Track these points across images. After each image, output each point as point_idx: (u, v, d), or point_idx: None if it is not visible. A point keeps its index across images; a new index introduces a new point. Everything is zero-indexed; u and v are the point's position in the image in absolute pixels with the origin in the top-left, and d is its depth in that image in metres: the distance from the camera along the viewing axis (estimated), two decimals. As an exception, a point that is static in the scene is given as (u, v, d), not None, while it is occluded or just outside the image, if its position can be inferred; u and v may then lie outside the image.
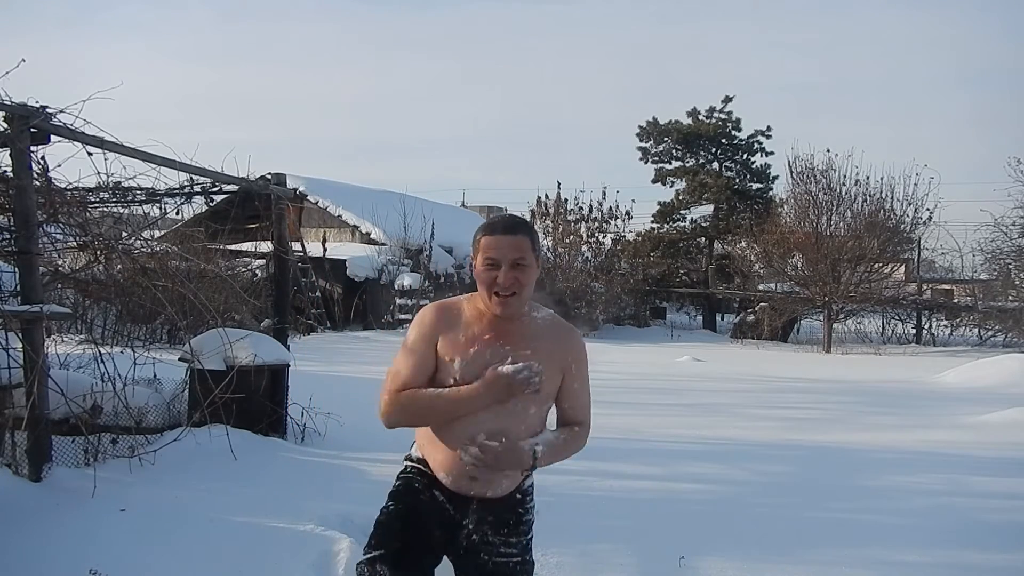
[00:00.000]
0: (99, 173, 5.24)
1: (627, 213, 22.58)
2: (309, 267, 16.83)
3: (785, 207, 21.34)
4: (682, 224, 25.55)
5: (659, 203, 25.52)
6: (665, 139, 25.43)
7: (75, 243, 5.77)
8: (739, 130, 24.94)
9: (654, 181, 25.86)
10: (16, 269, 4.61)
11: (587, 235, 21.95)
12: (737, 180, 25.13)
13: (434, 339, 2.03)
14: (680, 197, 25.16)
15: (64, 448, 4.52)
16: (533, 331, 2.06)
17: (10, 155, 4.40)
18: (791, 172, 20.12)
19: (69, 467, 4.45)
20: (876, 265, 19.05)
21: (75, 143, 4.71)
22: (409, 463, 2.16)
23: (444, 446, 2.03)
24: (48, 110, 4.43)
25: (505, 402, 1.97)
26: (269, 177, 6.93)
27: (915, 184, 18.93)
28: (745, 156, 25.23)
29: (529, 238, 2.03)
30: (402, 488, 2.12)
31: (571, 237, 21.41)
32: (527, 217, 22.15)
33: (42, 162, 4.83)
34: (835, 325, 18.64)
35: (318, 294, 17.06)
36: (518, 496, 2.11)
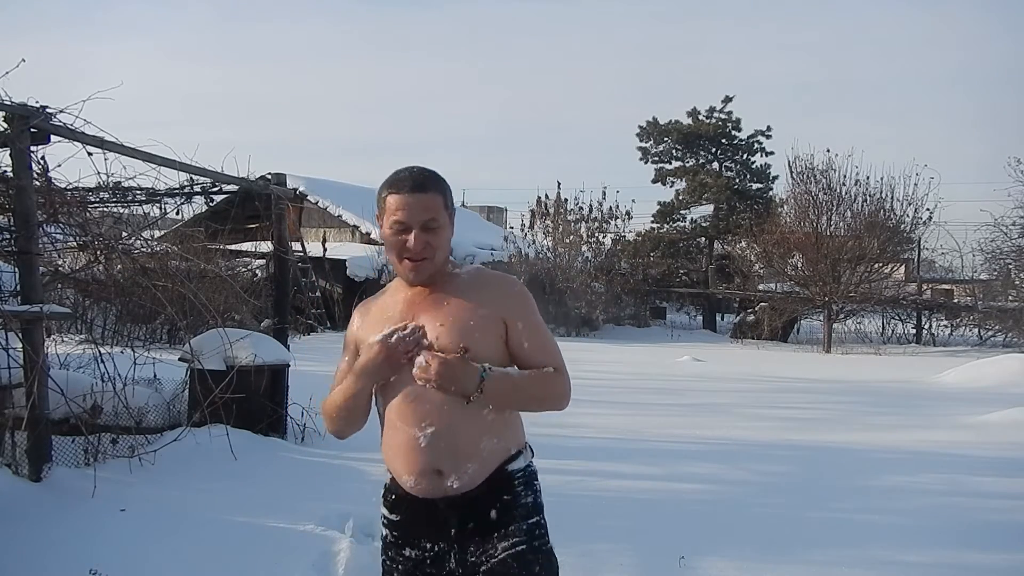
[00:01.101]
0: (99, 173, 5.25)
1: (627, 213, 22.58)
2: (309, 267, 16.82)
3: (785, 207, 21.34)
4: (682, 224, 25.54)
5: (659, 203, 25.52)
6: (665, 139, 25.42)
7: (75, 243, 5.77)
8: (739, 130, 24.93)
9: (654, 181, 25.85)
10: (16, 269, 4.61)
11: (587, 235, 21.94)
12: (737, 180, 25.11)
13: (354, 338, 1.91)
14: (680, 197, 25.15)
15: (64, 448, 4.52)
16: (453, 289, 1.85)
17: (10, 155, 4.40)
18: (791, 172, 20.14)
19: (69, 467, 4.45)
20: (876, 265, 19.04)
21: (75, 143, 4.71)
22: (382, 506, 1.93)
23: (394, 444, 1.82)
24: (48, 110, 4.44)
25: (393, 373, 1.77)
26: (269, 177, 6.94)
27: (915, 184, 18.95)
28: (745, 156, 25.22)
29: (441, 195, 1.82)
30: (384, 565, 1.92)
31: (571, 237, 21.41)
32: (527, 217, 22.21)
33: (42, 162, 4.84)
34: (835, 325, 18.63)
35: (318, 294, 17.05)
36: (499, 482, 1.83)
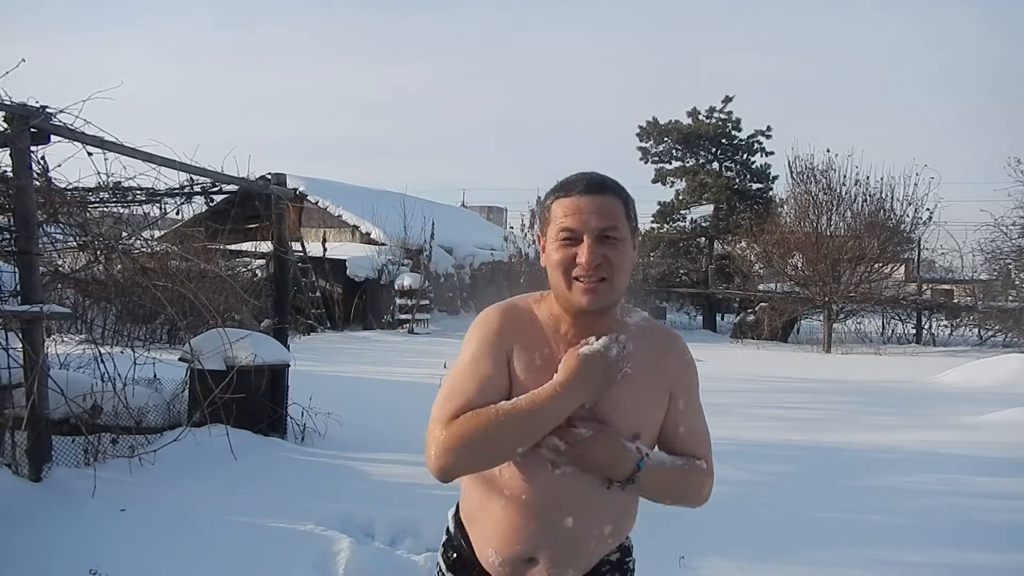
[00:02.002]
0: (99, 173, 5.25)
1: (627, 213, 22.54)
2: (309, 267, 16.83)
3: (785, 207, 21.34)
4: (682, 224, 25.54)
5: (659, 203, 25.52)
6: (665, 139, 25.42)
7: (75, 243, 5.77)
8: (739, 130, 24.93)
9: (654, 181, 25.85)
10: (16, 269, 4.61)
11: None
12: (737, 180, 25.11)
13: (504, 348, 1.47)
14: (680, 197, 25.15)
15: (64, 448, 4.52)
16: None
17: (10, 155, 4.40)
18: (791, 172, 20.14)
19: (69, 467, 4.46)
20: (876, 265, 19.04)
21: (75, 143, 4.71)
22: (440, 556, 1.63)
23: (493, 513, 1.48)
24: (48, 110, 4.44)
25: (599, 394, 1.41)
26: (269, 177, 6.94)
27: (915, 184, 18.96)
28: (745, 156, 25.22)
29: (623, 202, 1.46)
30: None
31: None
32: (527, 218, 22.22)
33: (42, 162, 4.84)
34: (835, 325, 18.63)
35: (318, 294, 17.05)
36: (613, 562, 1.56)
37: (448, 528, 1.61)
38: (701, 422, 1.58)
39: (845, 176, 19.04)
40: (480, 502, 1.51)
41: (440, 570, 1.61)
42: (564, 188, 1.46)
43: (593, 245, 1.41)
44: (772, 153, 24.91)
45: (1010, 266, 19.07)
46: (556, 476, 1.42)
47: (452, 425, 1.40)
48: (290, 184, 7.81)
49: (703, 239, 25.25)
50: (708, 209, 25.09)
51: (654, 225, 25.54)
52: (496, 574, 1.50)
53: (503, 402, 1.41)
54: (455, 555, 1.57)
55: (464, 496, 1.57)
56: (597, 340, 1.43)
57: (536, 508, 1.44)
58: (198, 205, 6.94)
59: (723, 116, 24.89)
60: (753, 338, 19.51)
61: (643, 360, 1.48)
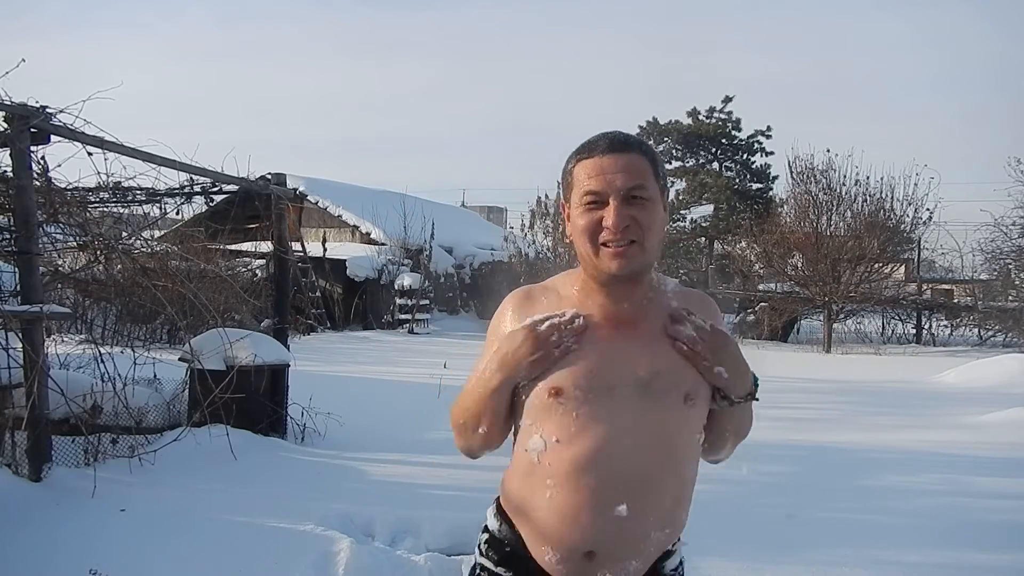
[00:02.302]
0: (99, 173, 5.25)
1: (627, 213, 22.54)
2: (309, 267, 16.83)
3: (785, 207, 21.34)
4: (682, 224, 25.57)
5: (659, 203, 25.52)
6: (665, 139, 25.45)
7: (75, 243, 5.78)
8: (739, 130, 24.97)
9: (654, 181, 25.86)
10: (16, 269, 4.61)
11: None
12: (737, 180, 25.15)
13: (504, 335, 1.44)
14: (680, 197, 25.18)
15: (64, 448, 4.52)
16: (666, 309, 1.42)
17: (10, 155, 4.40)
18: (791, 172, 20.13)
19: (69, 467, 4.46)
20: (876, 265, 19.03)
21: (75, 143, 4.71)
22: (481, 556, 1.49)
23: (549, 503, 1.35)
24: (48, 110, 4.44)
25: (533, 373, 1.36)
26: (269, 177, 6.94)
27: (915, 184, 18.94)
28: (745, 156, 25.25)
29: (650, 160, 1.38)
30: None
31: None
32: (527, 217, 22.22)
33: (42, 162, 4.84)
34: (835, 325, 18.63)
35: (318, 294, 17.06)
36: (669, 565, 1.46)
37: (487, 526, 1.49)
38: None
39: (845, 176, 19.04)
40: (524, 496, 1.40)
41: (485, 569, 1.47)
42: (586, 149, 1.38)
43: (620, 206, 1.32)
44: (772, 153, 24.97)
45: (1010, 266, 19.07)
46: (604, 459, 1.32)
47: (451, 411, 1.49)
48: (290, 184, 7.81)
49: (703, 239, 25.28)
50: (708, 209, 25.12)
51: (654, 225, 25.53)
52: (555, 573, 1.37)
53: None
54: (508, 549, 1.44)
55: (505, 489, 1.47)
56: (528, 320, 1.39)
57: (586, 495, 1.33)
58: (198, 205, 6.95)
59: (723, 116, 24.93)
60: (753, 338, 19.49)
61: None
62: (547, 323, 1.35)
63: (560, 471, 1.34)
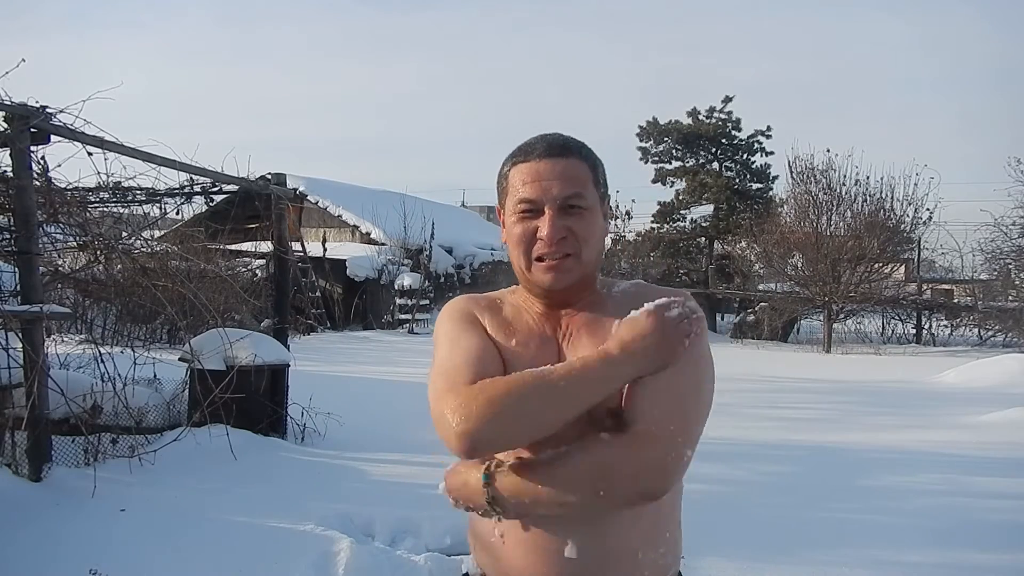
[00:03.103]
0: (99, 173, 5.26)
1: (627, 213, 22.62)
2: (309, 267, 16.83)
3: (785, 207, 21.35)
4: (682, 224, 25.53)
5: (659, 203, 25.51)
6: (665, 139, 25.41)
7: (75, 243, 5.78)
8: (739, 130, 24.92)
9: (654, 181, 25.85)
10: (16, 269, 4.61)
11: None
12: (737, 180, 25.10)
13: (479, 323, 1.31)
14: (680, 197, 25.14)
15: (64, 448, 4.52)
16: (614, 313, 1.25)
17: (10, 155, 4.40)
18: (791, 172, 20.14)
19: (69, 467, 4.46)
20: (876, 265, 19.04)
21: (75, 143, 4.72)
22: None
23: (500, 548, 1.25)
24: (48, 110, 4.44)
25: (660, 364, 1.16)
26: (269, 177, 6.94)
27: (915, 184, 18.95)
28: (745, 156, 25.21)
29: (589, 165, 1.28)
30: None
31: (571, 237, 21.43)
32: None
33: (42, 162, 4.84)
34: (835, 325, 18.63)
35: (318, 294, 17.06)
36: None
37: (465, 573, 1.38)
38: (679, 389, 1.19)
39: (845, 176, 19.05)
40: (480, 533, 1.29)
41: None
42: (522, 152, 1.27)
43: (556, 217, 1.22)
44: (772, 153, 24.92)
45: (1010, 266, 19.06)
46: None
47: (473, 389, 1.15)
48: (290, 184, 7.82)
49: (703, 239, 25.23)
50: (708, 209, 25.08)
51: (654, 225, 25.54)
52: None
53: (542, 369, 1.16)
54: None
55: (469, 525, 1.34)
56: (652, 304, 1.20)
57: (530, 535, 1.20)
58: (198, 205, 6.96)
59: (723, 116, 24.88)
60: (753, 338, 19.50)
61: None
62: (675, 310, 1.18)
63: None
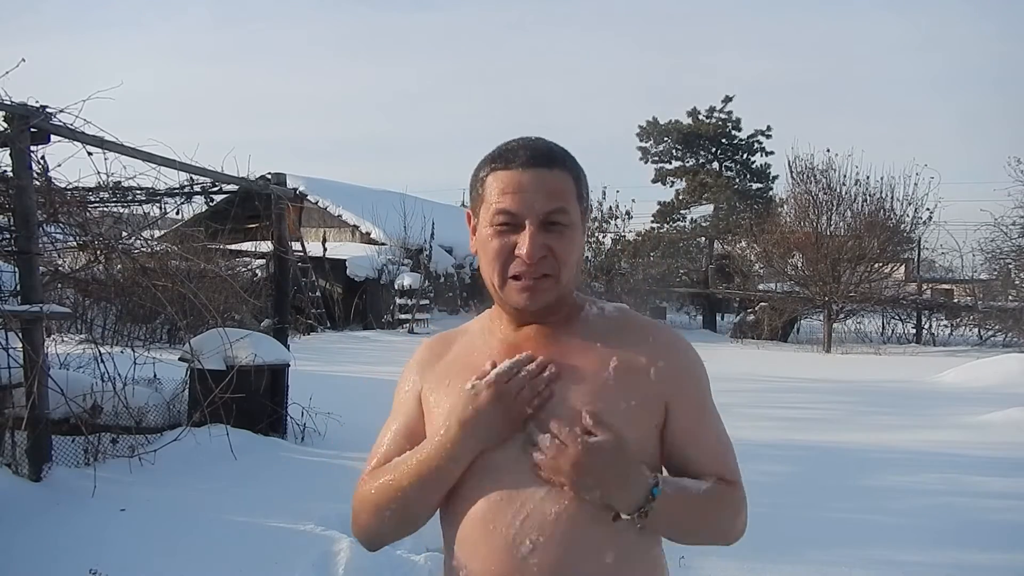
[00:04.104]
0: (99, 173, 5.27)
1: (627, 213, 22.62)
2: (309, 267, 16.84)
3: (785, 207, 21.36)
4: (682, 224, 25.55)
5: (659, 203, 25.53)
6: (665, 139, 25.44)
7: (75, 243, 5.78)
8: (739, 130, 24.95)
9: (654, 181, 25.88)
10: (16, 269, 4.61)
11: (587, 235, 21.93)
12: (737, 180, 25.13)
13: (413, 397, 1.25)
14: (680, 197, 25.16)
15: (64, 448, 4.52)
16: (590, 337, 1.19)
17: (10, 155, 4.40)
18: (791, 172, 20.15)
19: (69, 467, 4.46)
20: (876, 265, 19.05)
21: (75, 143, 4.72)
22: None
23: (478, 562, 1.13)
24: (48, 110, 4.44)
25: (499, 436, 1.11)
26: (269, 177, 6.94)
27: (915, 184, 18.98)
28: (745, 156, 25.24)
29: (573, 177, 1.17)
30: None
31: (571, 237, 21.44)
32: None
33: (42, 162, 4.84)
34: (835, 325, 18.63)
35: (318, 294, 17.06)
36: None
37: None
38: (717, 433, 1.23)
39: (845, 176, 19.06)
40: (450, 550, 1.19)
41: None
42: (503, 158, 1.15)
43: (537, 233, 1.12)
44: (772, 153, 24.96)
45: (1010, 266, 19.07)
46: (525, 488, 1.10)
47: (364, 485, 1.20)
48: (290, 184, 7.82)
49: (703, 239, 25.25)
50: (708, 209, 25.10)
51: (654, 225, 25.56)
52: None
53: (407, 453, 1.17)
54: None
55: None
56: (493, 367, 1.14)
57: (512, 537, 1.10)
58: (198, 205, 6.97)
59: (723, 116, 24.90)
60: (753, 338, 19.50)
61: (622, 356, 1.16)
62: (515, 370, 1.13)
63: (472, 522, 1.14)
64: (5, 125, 4.40)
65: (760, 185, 25.31)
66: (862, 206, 18.97)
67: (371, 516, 1.18)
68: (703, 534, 1.22)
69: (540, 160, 1.14)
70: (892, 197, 18.96)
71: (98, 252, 5.59)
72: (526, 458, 1.11)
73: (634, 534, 1.12)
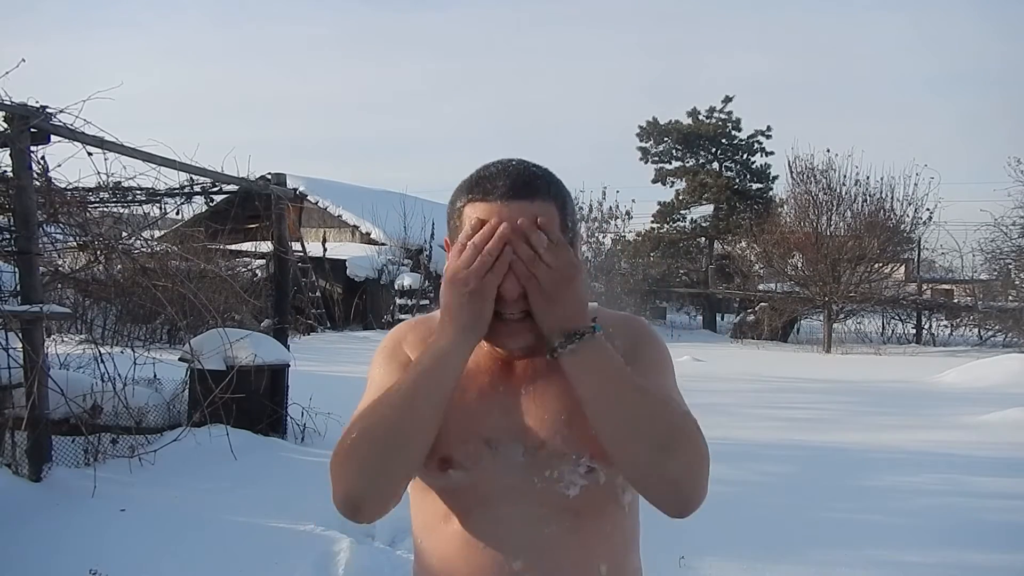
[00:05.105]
0: (99, 173, 5.27)
1: (627, 213, 22.67)
2: (309, 267, 16.84)
3: (785, 207, 21.38)
4: (682, 224, 25.57)
5: (659, 203, 25.54)
6: (665, 139, 25.45)
7: (75, 243, 5.78)
8: (739, 130, 24.97)
9: (654, 181, 25.88)
10: (16, 269, 4.61)
11: (587, 235, 21.99)
12: (737, 180, 25.14)
13: (400, 360, 1.21)
14: (680, 197, 25.18)
15: (64, 448, 4.52)
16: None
17: (10, 155, 4.41)
18: (791, 172, 20.18)
19: (69, 467, 4.46)
20: (876, 265, 19.07)
21: (75, 143, 4.72)
22: None
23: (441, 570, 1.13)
24: (48, 110, 4.45)
25: (478, 318, 1.03)
26: (269, 177, 6.94)
27: (915, 184, 19.01)
28: (745, 156, 25.25)
29: (557, 205, 1.08)
30: None
31: (571, 237, 21.49)
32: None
33: (42, 162, 4.85)
34: (835, 325, 18.64)
35: (318, 294, 17.07)
36: None
37: None
38: (670, 390, 1.13)
39: (845, 176, 19.10)
40: (429, 569, 1.16)
41: None
42: (480, 187, 1.06)
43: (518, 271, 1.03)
44: (772, 153, 24.98)
45: (1010, 266, 19.10)
46: (512, 513, 1.07)
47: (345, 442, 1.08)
48: (290, 184, 7.82)
49: (703, 239, 25.26)
50: (708, 209, 25.11)
51: (654, 225, 25.57)
52: None
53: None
54: None
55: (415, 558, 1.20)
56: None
57: (503, 553, 1.08)
58: (198, 205, 6.97)
59: (723, 116, 24.92)
60: (753, 338, 19.51)
61: None
62: (465, 257, 1.02)
63: (457, 537, 1.11)
64: (5, 125, 4.40)
65: (760, 185, 25.32)
66: (862, 206, 19.00)
67: (351, 460, 1.06)
68: (637, 430, 1.01)
69: (520, 191, 1.05)
70: (892, 197, 19.02)
71: (98, 252, 5.59)
72: (516, 478, 1.07)
73: (622, 545, 1.12)
